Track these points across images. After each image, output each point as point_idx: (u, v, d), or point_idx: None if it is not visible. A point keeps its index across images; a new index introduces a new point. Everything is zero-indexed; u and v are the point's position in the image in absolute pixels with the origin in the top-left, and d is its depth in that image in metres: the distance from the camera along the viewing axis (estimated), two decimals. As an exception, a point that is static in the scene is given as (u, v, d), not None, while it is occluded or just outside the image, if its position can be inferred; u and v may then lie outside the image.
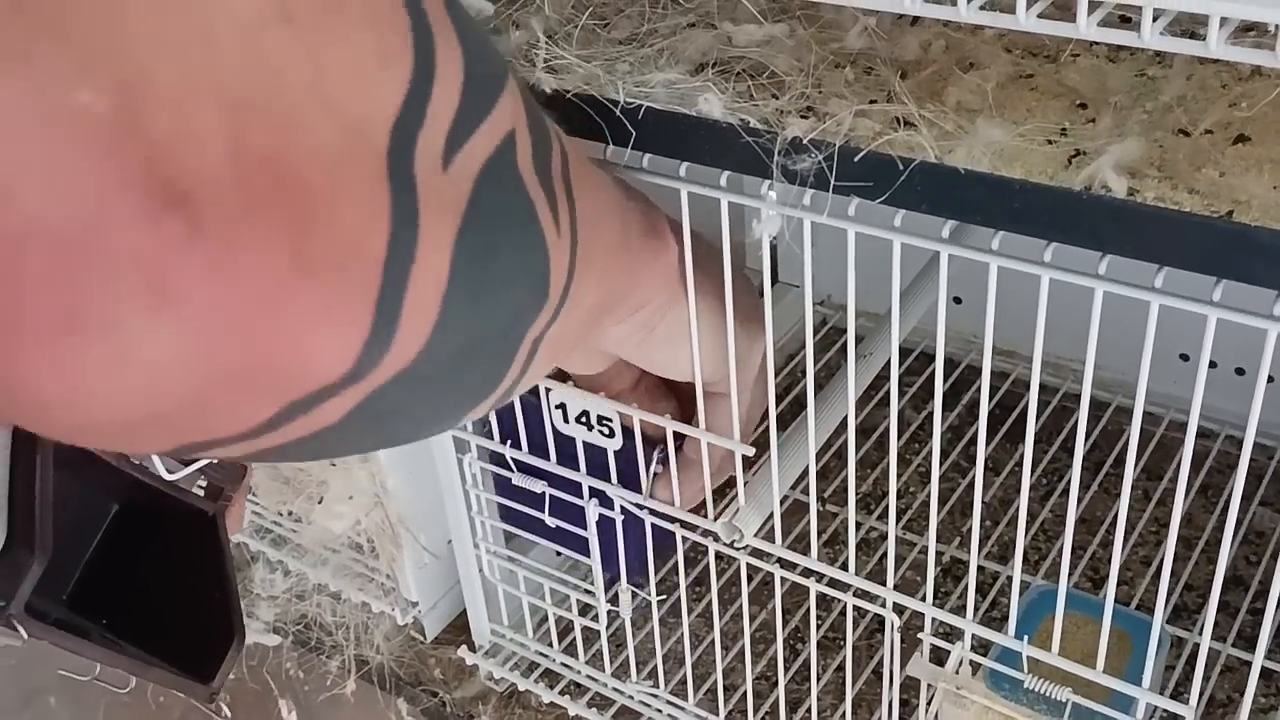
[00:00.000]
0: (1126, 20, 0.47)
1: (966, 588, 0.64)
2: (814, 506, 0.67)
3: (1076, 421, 0.55)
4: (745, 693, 0.79)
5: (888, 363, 0.62)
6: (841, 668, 0.78)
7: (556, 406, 0.74)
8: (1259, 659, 0.57)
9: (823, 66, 0.56)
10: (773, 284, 1.14)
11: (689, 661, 0.83)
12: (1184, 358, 0.99)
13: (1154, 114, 0.52)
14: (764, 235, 0.54)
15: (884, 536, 0.86)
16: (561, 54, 0.56)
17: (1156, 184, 0.48)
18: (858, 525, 0.91)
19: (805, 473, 0.66)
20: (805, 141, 0.50)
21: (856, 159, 0.48)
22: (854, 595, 0.69)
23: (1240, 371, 0.97)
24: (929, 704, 0.67)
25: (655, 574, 0.79)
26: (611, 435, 0.73)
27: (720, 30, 0.58)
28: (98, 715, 1.57)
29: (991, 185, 0.48)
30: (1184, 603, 0.93)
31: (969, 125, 0.51)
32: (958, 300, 0.97)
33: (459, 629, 0.95)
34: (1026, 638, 0.64)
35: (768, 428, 0.66)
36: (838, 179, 0.49)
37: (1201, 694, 0.80)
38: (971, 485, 0.62)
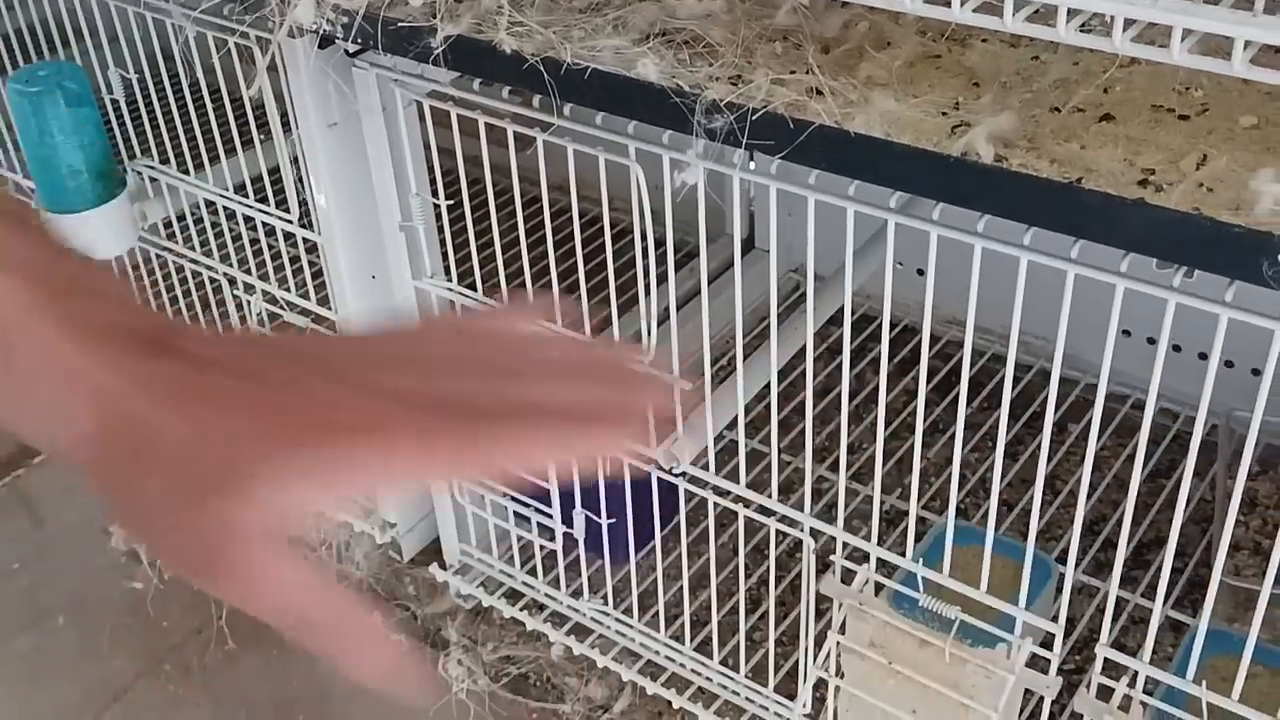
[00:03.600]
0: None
1: (878, 520, 0.72)
2: (742, 441, 0.75)
3: (1001, 377, 0.62)
4: (683, 615, 0.87)
5: (833, 325, 0.69)
6: (767, 585, 0.85)
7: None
8: (1113, 588, 0.64)
9: (754, 39, 0.64)
10: (746, 251, 1.21)
11: (634, 587, 0.91)
12: (1126, 333, 1.05)
13: (1036, 93, 0.59)
14: (694, 182, 0.62)
15: (820, 477, 0.94)
16: (522, 19, 0.64)
17: (1023, 153, 0.55)
18: (789, 465, 0.98)
19: (766, 414, 0.74)
20: (722, 104, 0.57)
21: (755, 118, 0.55)
22: (777, 520, 0.77)
23: (1175, 348, 1.04)
24: (845, 619, 0.74)
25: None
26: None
27: (665, 3, 0.65)
28: (104, 636, 1.66)
29: (878, 148, 0.55)
30: (1107, 558, 1.00)
31: (871, 96, 0.58)
32: (920, 272, 1.04)
33: (432, 553, 1.03)
34: (922, 560, 0.71)
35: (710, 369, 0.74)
36: (748, 138, 0.56)
37: (1072, 619, 0.88)
38: (900, 437, 0.70)
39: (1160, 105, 0.58)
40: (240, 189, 0.96)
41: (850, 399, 0.73)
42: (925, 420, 0.72)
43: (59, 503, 1.96)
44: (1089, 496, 1.01)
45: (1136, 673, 0.66)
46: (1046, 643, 0.70)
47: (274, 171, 0.91)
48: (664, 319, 0.77)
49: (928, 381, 0.68)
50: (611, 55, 0.62)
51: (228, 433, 0.37)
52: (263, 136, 0.92)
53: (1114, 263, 0.55)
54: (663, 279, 0.76)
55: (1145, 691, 0.66)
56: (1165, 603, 0.69)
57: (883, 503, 0.97)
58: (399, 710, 1.40)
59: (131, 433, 0.37)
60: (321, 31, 0.69)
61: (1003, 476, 0.99)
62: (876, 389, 1.05)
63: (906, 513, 0.98)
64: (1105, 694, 0.68)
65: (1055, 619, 0.69)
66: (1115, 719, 0.66)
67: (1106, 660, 0.67)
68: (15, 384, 0.37)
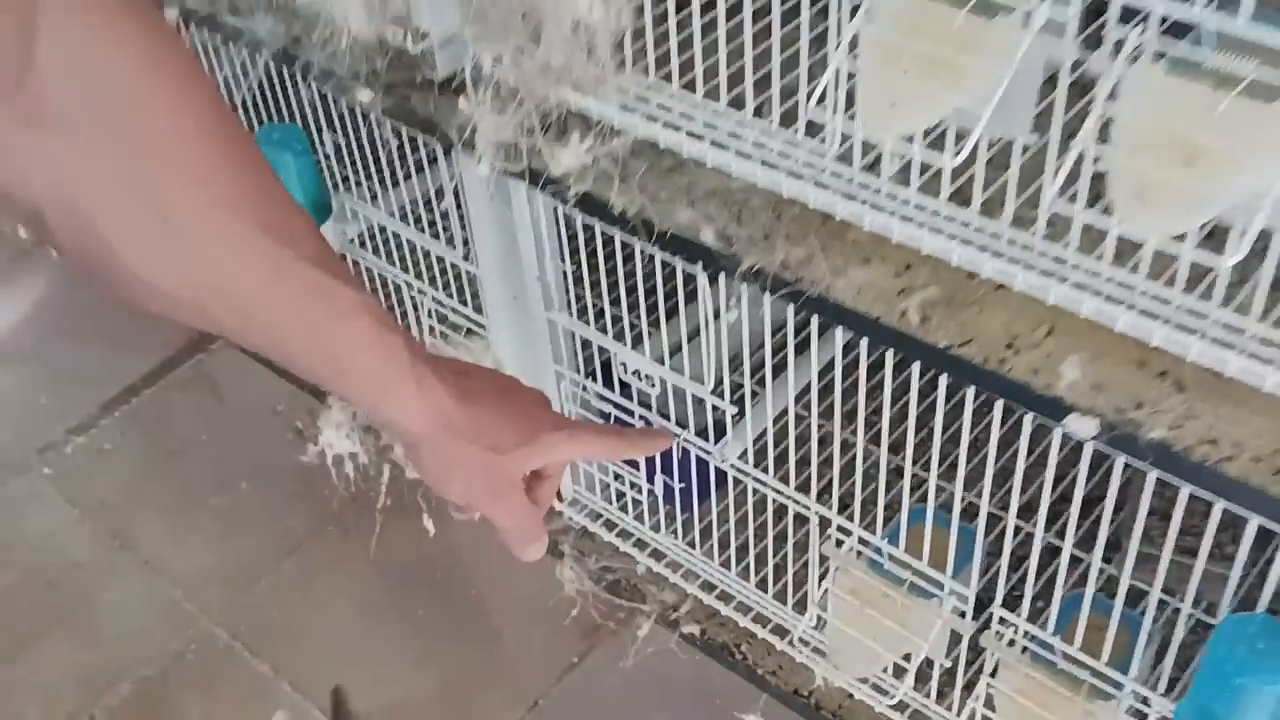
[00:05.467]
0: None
1: (859, 508, 1.06)
2: (770, 447, 1.09)
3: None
4: (730, 549, 1.23)
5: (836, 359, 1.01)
6: (787, 535, 1.20)
7: (621, 362, 1.16)
8: (1005, 558, 0.98)
9: (781, 205, 0.95)
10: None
11: (697, 527, 1.26)
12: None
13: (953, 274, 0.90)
14: (735, 317, 0.94)
15: (828, 460, 1.27)
16: (626, 183, 0.95)
17: (941, 315, 0.86)
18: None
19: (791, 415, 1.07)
20: (753, 272, 0.89)
21: (775, 289, 0.87)
22: (793, 504, 1.11)
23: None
24: (834, 573, 1.09)
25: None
26: (653, 384, 1.14)
27: (720, 172, 0.96)
28: (280, 499, 2.05)
29: (849, 311, 0.87)
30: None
31: (849, 267, 0.89)
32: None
33: (552, 484, 1.39)
34: (887, 540, 1.05)
35: (753, 385, 1.07)
36: (772, 295, 0.88)
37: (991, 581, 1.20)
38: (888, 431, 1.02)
39: (1040, 277, 0.88)
40: (417, 213, 1.30)
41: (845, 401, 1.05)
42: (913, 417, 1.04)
43: (238, 383, 2.35)
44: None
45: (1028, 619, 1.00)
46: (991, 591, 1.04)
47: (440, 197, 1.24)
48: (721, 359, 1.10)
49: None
50: (686, 220, 0.94)
51: (499, 446, 0.66)
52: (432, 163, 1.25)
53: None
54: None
55: (1029, 637, 1.00)
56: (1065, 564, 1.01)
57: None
58: (513, 571, 1.79)
59: (445, 446, 0.65)
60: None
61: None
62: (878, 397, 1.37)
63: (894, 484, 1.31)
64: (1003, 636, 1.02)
65: (987, 576, 1.03)
66: (1005, 654, 1.01)
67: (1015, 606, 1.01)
68: (381, 391, 0.63)
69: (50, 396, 2.25)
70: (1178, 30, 0.65)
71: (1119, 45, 0.64)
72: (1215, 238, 0.70)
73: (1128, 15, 0.64)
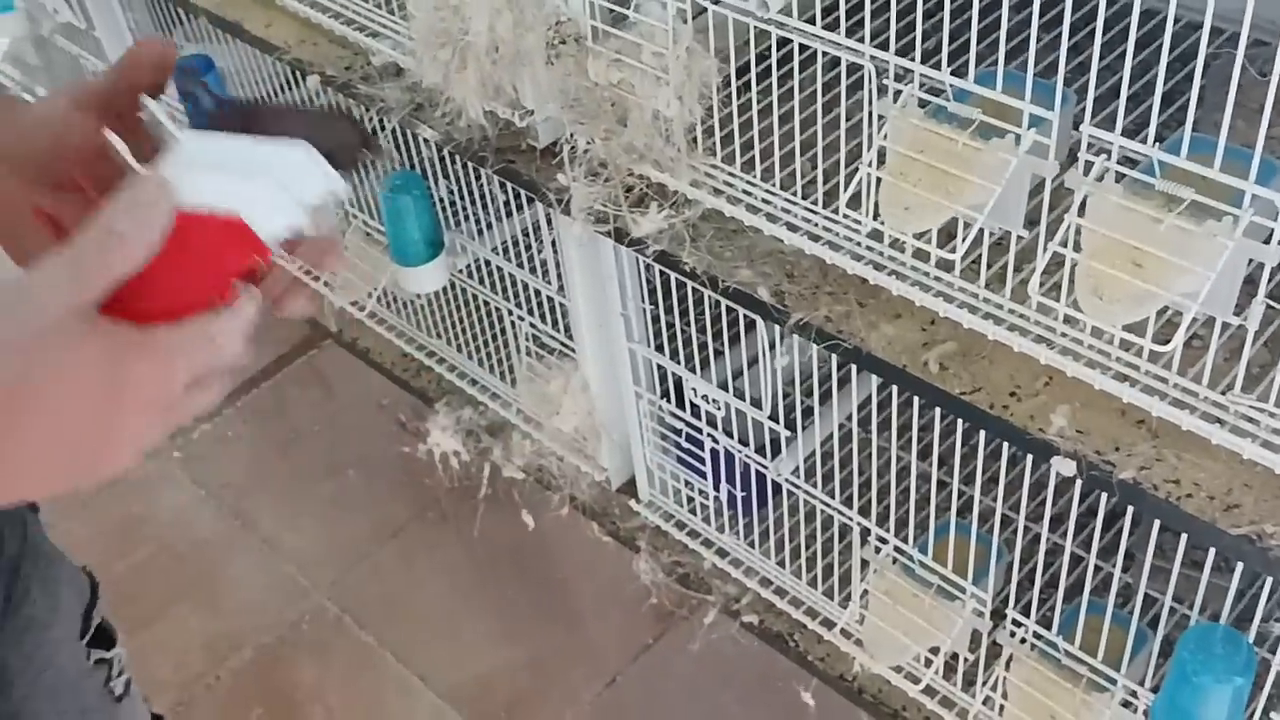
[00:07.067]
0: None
1: (893, 527, 1.22)
2: (818, 463, 1.26)
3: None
4: (784, 550, 1.40)
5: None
6: (831, 541, 1.37)
7: (691, 387, 1.33)
8: (1015, 567, 1.14)
9: (828, 267, 1.12)
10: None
11: (756, 530, 1.44)
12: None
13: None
14: (785, 363, 1.11)
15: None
16: (696, 243, 1.13)
17: (957, 366, 1.02)
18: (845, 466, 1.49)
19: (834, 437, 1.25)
20: (801, 324, 1.06)
21: (819, 339, 1.04)
22: (838, 514, 1.28)
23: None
24: (872, 575, 1.26)
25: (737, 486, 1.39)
26: (719, 407, 1.32)
27: (774, 239, 1.13)
28: (384, 487, 2.27)
29: (880, 360, 1.03)
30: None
31: (880, 322, 1.06)
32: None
33: (631, 487, 1.57)
34: (918, 548, 1.22)
35: (807, 410, 1.24)
36: (819, 344, 1.06)
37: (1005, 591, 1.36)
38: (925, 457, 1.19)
39: (1044, 334, 1.04)
40: (517, 246, 1.49)
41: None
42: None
43: (346, 378, 2.57)
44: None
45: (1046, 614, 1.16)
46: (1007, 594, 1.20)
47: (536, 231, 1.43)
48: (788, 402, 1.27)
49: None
50: (745, 278, 1.11)
51: None
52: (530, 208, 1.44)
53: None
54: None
55: (1037, 636, 1.16)
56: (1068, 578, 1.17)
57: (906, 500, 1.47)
58: (596, 561, 1.98)
59: None
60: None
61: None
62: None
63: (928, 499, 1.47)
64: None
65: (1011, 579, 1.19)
66: (1017, 649, 1.17)
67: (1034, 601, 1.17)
68: None
69: (180, 387, 2.46)
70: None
71: (1088, 167, 0.81)
72: (1171, 322, 0.86)
73: (1095, 145, 0.80)
